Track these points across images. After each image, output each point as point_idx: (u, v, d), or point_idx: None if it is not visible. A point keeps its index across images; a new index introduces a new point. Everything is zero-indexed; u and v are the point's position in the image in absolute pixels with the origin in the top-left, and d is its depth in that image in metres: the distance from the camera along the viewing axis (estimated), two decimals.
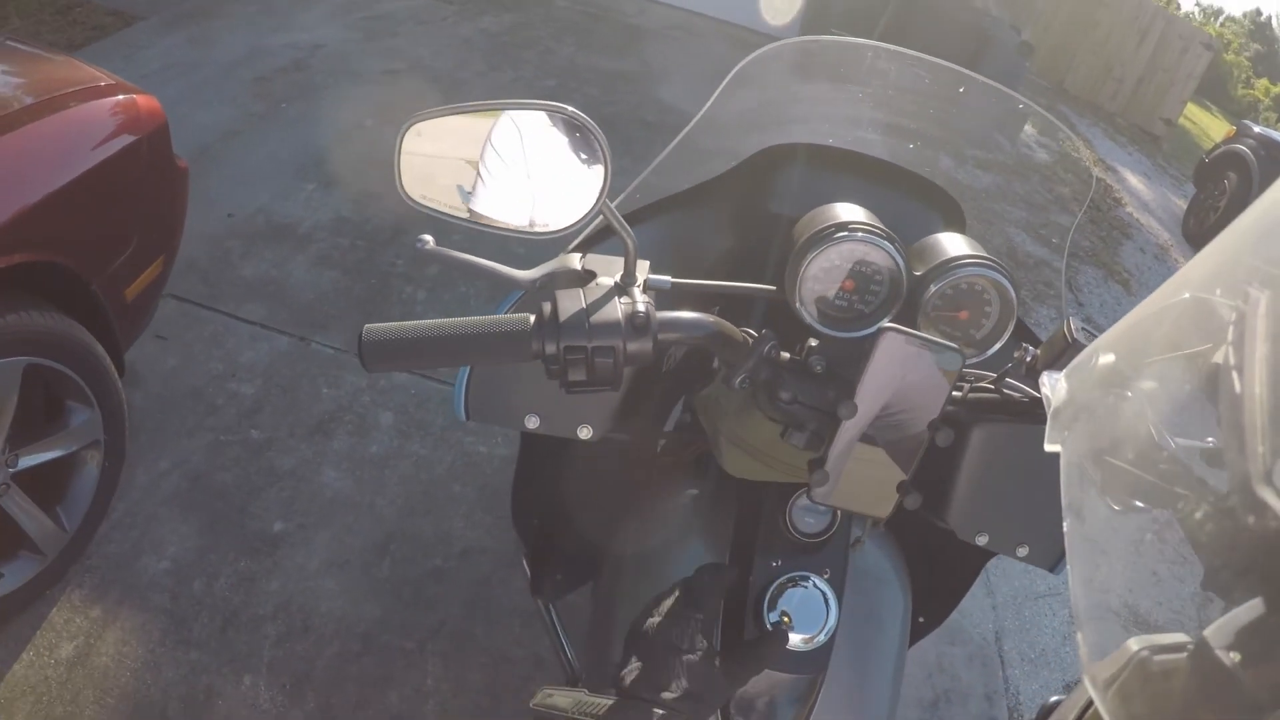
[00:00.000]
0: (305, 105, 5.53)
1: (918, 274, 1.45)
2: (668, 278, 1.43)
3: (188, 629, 2.93)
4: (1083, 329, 1.29)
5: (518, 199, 1.38)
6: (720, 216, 1.83)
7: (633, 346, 1.21)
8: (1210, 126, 27.04)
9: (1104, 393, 0.99)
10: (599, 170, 1.30)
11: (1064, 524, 0.92)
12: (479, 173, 1.40)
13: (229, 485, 3.33)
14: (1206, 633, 0.83)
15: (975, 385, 1.40)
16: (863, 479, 1.27)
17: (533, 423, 1.60)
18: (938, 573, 1.88)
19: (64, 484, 2.90)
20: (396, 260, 4.35)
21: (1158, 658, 0.84)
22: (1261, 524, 0.80)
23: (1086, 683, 0.83)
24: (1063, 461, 0.97)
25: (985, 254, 1.45)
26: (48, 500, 2.82)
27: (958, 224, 1.81)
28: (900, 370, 1.22)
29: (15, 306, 2.50)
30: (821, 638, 1.44)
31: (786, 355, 1.31)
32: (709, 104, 1.95)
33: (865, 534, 1.58)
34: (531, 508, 2.11)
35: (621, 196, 1.34)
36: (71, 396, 2.77)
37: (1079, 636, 0.85)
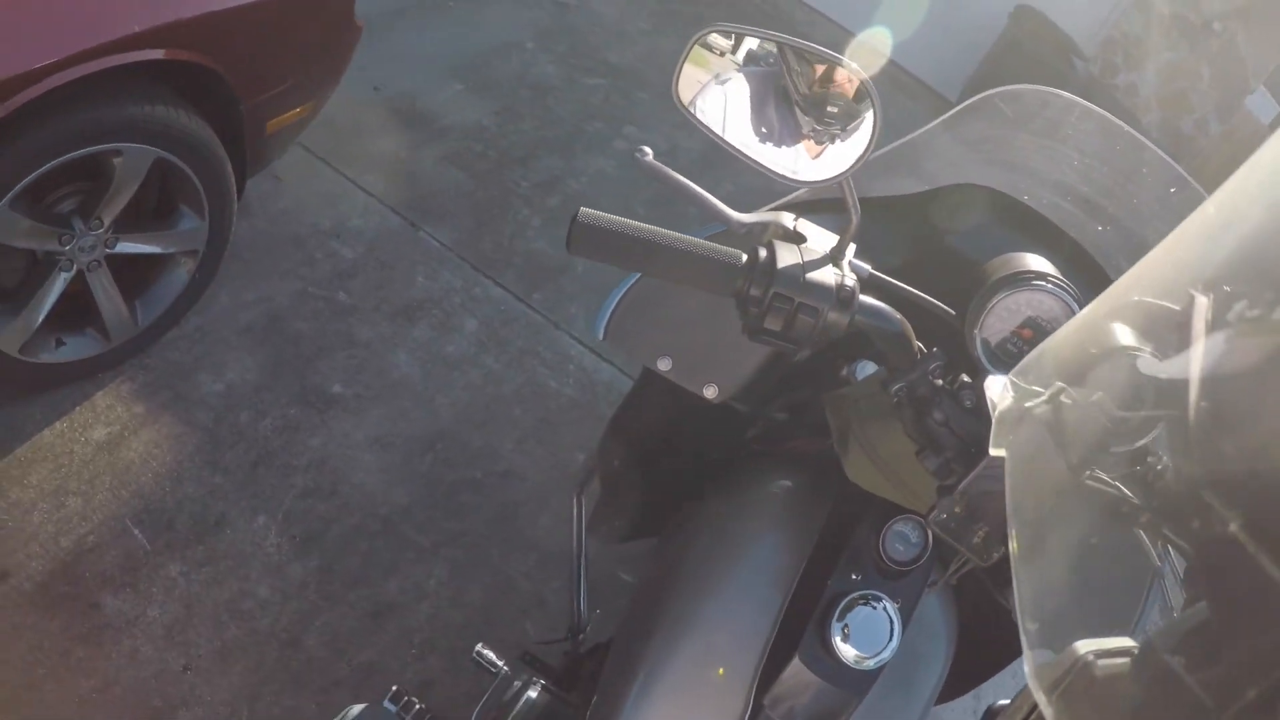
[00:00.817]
0: (472, 9, 5.52)
1: None
2: (868, 266, 1.44)
3: (220, 454, 2.95)
4: None
5: (772, 137, 1.42)
6: (895, 232, 1.81)
7: (833, 315, 1.25)
8: None
9: (1050, 396, 0.99)
10: (856, 138, 1.32)
11: (1009, 528, 0.93)
12: (746, 99, 1.43)
13: (303, 335, 3.34)
14: (1152, 636, 0.84)
15: None
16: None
17: (665, 365, 1.65)
18: (976, 647, 1.86)
19: (150, 281, 2.94)
20: (522, 181, 4.34)
21: (1103, 662, 0.84)
22: (1205, 527, 0.81)
23: (1031, 687, 0.83)
24: (1007, 465, 0.97)
25: None
26: (130, 291, 2.85)
27: None
28: None
29: (168, 101, 2.54)
30: (872, 663, 1.43)
31: (940, 381, 1.32)
32: (935, 124, 1.94)
33: (943, 581, 1.56)
34: (620, 446, 2.09)
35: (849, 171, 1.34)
36: (187, 202, 2.80)
37: (1024, 640, 0.84)
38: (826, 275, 1.25)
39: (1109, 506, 0.92)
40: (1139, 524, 0.91)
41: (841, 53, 1.35)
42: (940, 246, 1.77)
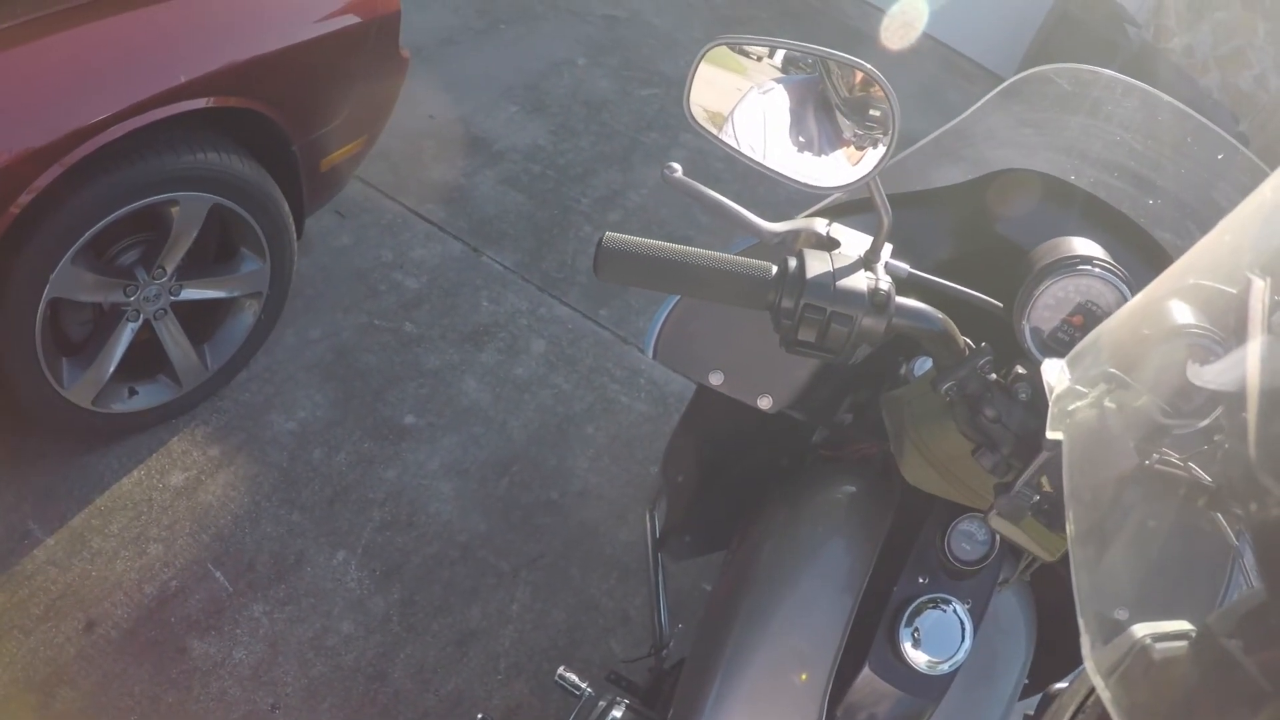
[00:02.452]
0: (523, 30, 5.55)
1: None
2: (906, 265, 1.41)
3: (296, 492, 2.97)
4: None
5: (790, 145, 1.41)
6: (943, 225, 1.78)
7: (868, 321, 1.22)
8: None
9: (1106, 379, 0.99)
10: (878, 139, 1.31)
11: (1066, 511, 0.93)
12: (761, 110, 1.43)
13: (372, 368, 3.36)
14: (1209, 620, 0.84)
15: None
16: None
17: (717, 379, 1.64)
18: (1056, 639, 1.82)
19: (217, 325, 2.97)
20: (581, 198, 4.34)
21: (1160, 645, 0.84)
22: (1262, 510, 0.81)
23: (1089, 670, 0.83)
24: (1064, 448, 0.97)
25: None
26: (197, 336, 2.89)
27: None
28: None
29: (219, 147, 2.56)
30: (945, 667, 1.40)
31: (993, 375, 1.29)
32: (971, 111, 1.91)
33: (1015, 579, 1.52)
34: (683, 461, 2.08)
35: (873, 173, 1.31)
36: (247, 245, 2.83)
37: (1081, 624, 0.85)
38: (859, 281, 1.22)
39: (1169, 489, 0.92)
40: (1196, 506, 0.90)
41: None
42: (989, 236, 1.73)
